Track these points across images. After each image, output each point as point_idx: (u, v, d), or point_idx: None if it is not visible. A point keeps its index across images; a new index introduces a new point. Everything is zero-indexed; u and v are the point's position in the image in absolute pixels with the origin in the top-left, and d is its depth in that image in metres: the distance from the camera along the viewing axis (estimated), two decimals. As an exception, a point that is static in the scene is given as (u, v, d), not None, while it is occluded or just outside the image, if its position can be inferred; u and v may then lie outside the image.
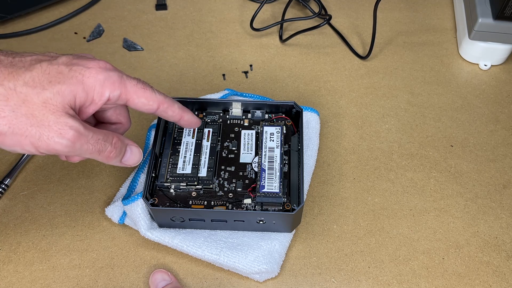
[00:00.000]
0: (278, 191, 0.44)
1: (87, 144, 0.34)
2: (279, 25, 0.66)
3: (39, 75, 0.33)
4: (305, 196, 0.50)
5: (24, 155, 0.52)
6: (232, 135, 0.50)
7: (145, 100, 0.38)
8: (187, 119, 0.42)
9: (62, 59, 0.35)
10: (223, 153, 0.48)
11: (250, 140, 0.49)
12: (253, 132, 0.50)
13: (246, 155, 0.48)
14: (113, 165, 0.53)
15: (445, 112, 0.59)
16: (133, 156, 0.39)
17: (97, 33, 0.66)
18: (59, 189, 0.51)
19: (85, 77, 0.34)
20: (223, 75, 0.62)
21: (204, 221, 0.45)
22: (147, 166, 0.46)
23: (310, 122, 0.54)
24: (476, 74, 0.63)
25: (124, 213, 0.47)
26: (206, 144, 0.48)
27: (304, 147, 0.49)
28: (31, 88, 0.32)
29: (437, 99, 0.60)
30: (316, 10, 0.67)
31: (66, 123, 0.33)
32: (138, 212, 0.45)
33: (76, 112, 0.35)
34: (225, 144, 0.49)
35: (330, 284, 0.45)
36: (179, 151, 0.47)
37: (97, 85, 0.35)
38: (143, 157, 0.51)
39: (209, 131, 0.49)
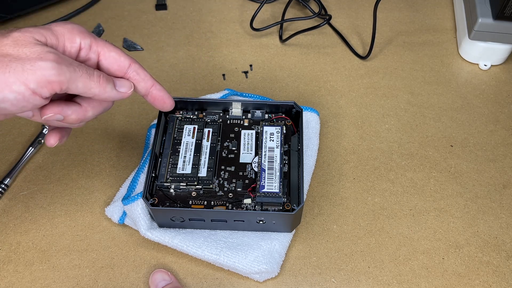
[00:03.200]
0: (278, 191, 0.44)
1: (72, 66, 0.33)
2: (279, 25, 0.66)
3: (8, 28, 0.34)
4: (305, 196, 0.50)
5: (24, 155, 0.52)
6: (232, 135, 0.50)
7: (116, 55, 0.37)
8: (159, 89, 0.40)
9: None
10: (223, 153, 0.48)
11: (250, 140, 0.49)
12: (253, 132, 0.50)
13: (246, 155, 0.48)
14: (113, 165, 0.53)
15: (445, 112, 0.59)
16: (123, 82, 0.38)
17: (97, 33, 0.66)
18: (59, 189, 0.51)
19: (52, 26, 0.35)
20: (223, 75, 0.62)
21: (204, 221, 0.45)
22: (147, 166, 0.46)
23: (310, 122, 0.54)
24: (476, 74, 0.63)
25: (124, 213, 0.47)
26: (206, 144, 0.48)
27: (304, 147, 0.49)
28: (0, 34, 0.33)
29: (437, 99, 0.60)
30: (316, 10, 0.67)
31: (43, 49, 0.33)
32: (138, 212, 0.45)
33: None
34: (225, 144, 0.49)
35: (330, 284, 0.45)
36: (179, 151, 0.47)
37: (66, 31, 0.35)
38: (144, 156, 0.51)
39: (209, 131, 0.49)
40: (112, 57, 0.37)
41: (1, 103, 0.32)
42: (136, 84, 0.39)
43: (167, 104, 0.42)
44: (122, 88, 0.38)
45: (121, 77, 0.39)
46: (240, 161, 0.48)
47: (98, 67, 0.38)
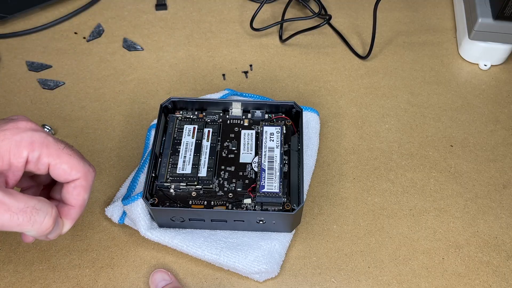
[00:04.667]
0: (278, 191, 0.44)
1: (9, 213, 0.30)
2: (279, 25, 0.66)
3: None
4: (305, 196, 0.50)
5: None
6: (232, 135, 0.50)
7: (68, 168, 0.34)
8: (74, 213, 0.36)
9: None
10: (223, 153, 0.48)
11: (250, 140, 0.49)
12: (253, 132, 0.50)
13: (246, 155, 0.48)
14: (113, 165, 0.53)
15: (445, 112, 0.59)
16: (57, 228, 0.34)
17: (97, 33, 0.66)
18: (59, 189, 0.51)
19: None
20: (223, 75, 0.62)
21: (204, 221, 0.45)
22: (147, 166, 0.46)
23: (310, 122, 0.54)
24: (476, 74, 0.63)
25: (124, 213, 0.47)
26: (206, 144, 0.48)
27: (304, 147, 0.49)
28: None
29: (437, 99, 0.60)
30: (316, 10, 0.67)
31: None
32: (138, 212, 0.45)
33: None
34: (225, 144, 0.49)
35: (330, 284, 0.45)
36: (179, 151, 0.47)
37: (13, 146, 0.32)
38: (144, 156, 0.51)
39: (209, 131, 0.49)
40: (62, 170, 0.34)
41: None
42: (64, 197, 0.36)
43: (54, 232, 0.35)
44: (51, 236, 0.34)
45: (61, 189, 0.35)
46: (240, 161, 0.48)
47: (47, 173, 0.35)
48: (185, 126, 0.49)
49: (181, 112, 0.51)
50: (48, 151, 0.33)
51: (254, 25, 0.65)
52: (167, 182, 0.45)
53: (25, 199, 0.31)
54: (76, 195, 0.35)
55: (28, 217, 0.31)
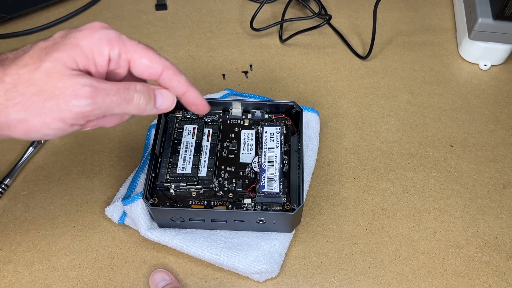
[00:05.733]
0: (278, 191, 0.44)
1: (109, 96, 0.33)
2: (279, 25, 0.66)
3: (36, 53, 0.32)
4: (305, 196, 0.50)
5: (24, 155, 0.52)
6: (232, 135, 0.50)
7: (148, 61, 0.35)
8: (194, 95, 0.38)
9: (58, 33, 0.34)
10: (223, 153, 0.48)
11: (250, 140, 0.49)
12: (253, 132, 0.50)
13: (246, 155, 0.48)
14: (113, 165, 0.53)
15: (445, 112, 0.59)
16: (166, 98, 0.37)
17: (97, 33, 0.66)
18: (59, 189, 0.51)
19: (79, 40, 0.33)
20: (223, 75, 0.62)
21: (204, 221, 0.45)
22: (147, 166, 0.46)
23: (310, 122, 0.54)
24: (476, 74, 0.63)
25: (124, 213, 0.47)
26: (206, 144, 0.48)
27: (304, 147, 0.49)
28: (30, 65, 0.32)
29: (437, 99, 0.60)
30: (316, 10, 0.67)
31: (77, 83, 0.31)
32: (138, 212, 0.45)
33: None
34: (225, 144, 0.49)
35: (330, 284, 0.45)
36: (179, 151, 0.47)
37: (94, 45, 0.33)
38: (144, 156, 0.51)
39: (209, 131, 0.49)
40: (143, 64, 0.35)
41: (42, 138, 0.33)
42: (171, 91, 0.38)
43: (201, 109, 0.39)
44: (163, 106, 0.37)
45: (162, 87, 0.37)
46: (240, 161, 0.48)
47: (129, 72, 0.36)
48: (185, 126, 0.49)
49: (181, 112, 0.51)
50: (126, 47, 0.34)
51: (254, 25, 0.65)
52: (167, 182, 0.45)
53: (117, 83, 0.33)
54: (176, 82, 0.36)
55: (123, 96, 0.33)
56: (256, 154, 0.48)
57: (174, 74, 0.36)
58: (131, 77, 0.37)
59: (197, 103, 0.38)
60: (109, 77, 0.36)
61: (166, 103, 0.37)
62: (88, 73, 0.33)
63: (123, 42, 0.34)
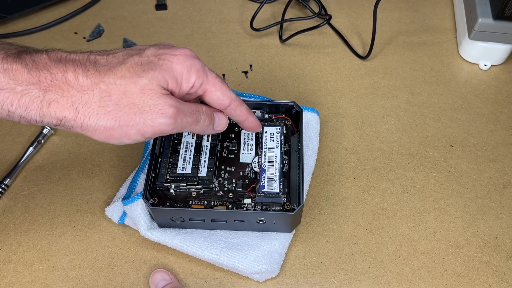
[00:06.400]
0: (278, 191, 0.44)
1: (186, 117, 0.36)
2: (279, 25, 0.66)
3: (133, 67, 0.35)
4: (305, 196, 0.50)
5: (24, 155, 0.52)
6: (232, 135, 0.50)
7: (221, 94, 0.39)
8: (251, 121, 0.43)
9: (150, 50, 0.37)
10: (223, 153, 0.48)
11: (250, 140, 0.49)
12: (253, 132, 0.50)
13: (246, 155, 0.48)
14: (113, 165, 0.53)
15: (445, 112, 0.59)
16: (222, 120, 0.41)
17: (97, 33, 0.66)
18: (59, 189, 0.51)
19: (173, 64, 0.36)
20: (223, 75, 0.62)
21: (204, 221, 0.45)
22: (147, 166, 0.46)
23: (310, 122, 0.54)
24: (476, 74, 0.63)
25: (124, 213, 0.47)
26: (206, 144, 0.48)
27: (304, 147, 0.49)
28: (128, 78, 0.34)
29: (437, 99, 0.60)
30: (316, 10, 0.67)
31: (165, 103, 0.34)
32: (138, 212, 0.45)
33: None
34: (225, 144, 0.49)
35: (330, 284, 0.45)
36: (179, 151, 0.47)
37: (185, 71, 0.36)
38: (144, 156, 0.51)
39: (209, 131, 0.49)
40: (216, 96, 0.38)
41: (117, 143, 0.36)
42: (232, 118, 0.42)
43: (257, 129, 0.44)
44: (219, 127, 0.41)
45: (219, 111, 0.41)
46: (240, 161, 0.48)
47: (200, 98, 0.40)
48: (185, 126, 0.49)
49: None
50: (207, 79, 0.38)
51: (254, 25, 0.65)
52: (167, 182, 0.45)
53: (191, 105, 0.37)
54: (239, 112, 0.41)
55: (195, 118, 0.37)
56: (256, 154, 0.48)
57: (238, 105, 0.40)
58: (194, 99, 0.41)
59: (253, 127, 0.43)
60: (183, 97, 0.39)
61: (222, 125, 0.41)
62: (172, 93, 0.36)
63: (206, 74, 0.38)
